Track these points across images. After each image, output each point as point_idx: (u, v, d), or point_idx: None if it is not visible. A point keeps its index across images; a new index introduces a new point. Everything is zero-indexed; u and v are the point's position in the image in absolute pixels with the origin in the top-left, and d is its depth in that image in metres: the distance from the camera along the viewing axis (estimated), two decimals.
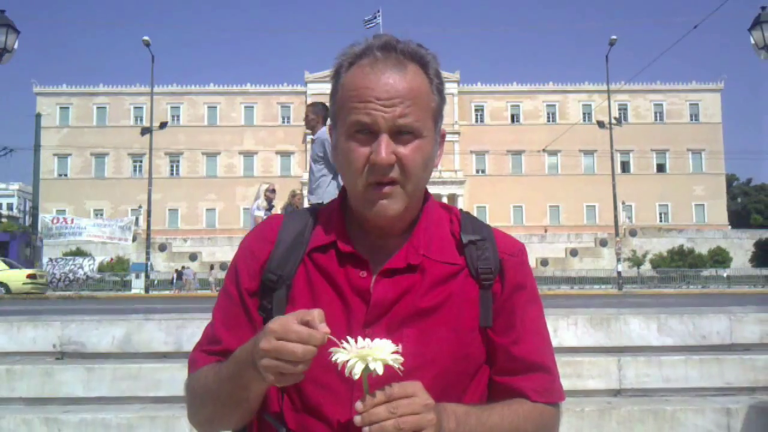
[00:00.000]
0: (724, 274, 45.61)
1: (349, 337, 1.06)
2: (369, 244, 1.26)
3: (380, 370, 1.02)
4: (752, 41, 15.34)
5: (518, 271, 1.30)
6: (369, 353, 1.02)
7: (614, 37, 35.90)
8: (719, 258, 52.32)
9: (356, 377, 1.02)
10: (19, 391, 3.98)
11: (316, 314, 1.04)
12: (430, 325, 1.21)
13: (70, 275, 39.28)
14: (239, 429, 1.28)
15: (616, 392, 4.11)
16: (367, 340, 1.05)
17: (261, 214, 10.21)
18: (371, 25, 65.55)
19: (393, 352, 1.04)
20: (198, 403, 1.26)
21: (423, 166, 1.21)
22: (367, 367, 1.02)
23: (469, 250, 1.27)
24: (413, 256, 1.24)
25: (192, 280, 39.55)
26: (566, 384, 1.34)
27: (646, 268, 50.78)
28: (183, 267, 43.07)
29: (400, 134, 1.18)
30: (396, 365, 1.03)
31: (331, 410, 1.17)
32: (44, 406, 3.92)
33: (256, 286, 1.27)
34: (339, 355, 1.03)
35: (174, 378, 3.98)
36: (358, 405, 1.02)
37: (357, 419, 1.02)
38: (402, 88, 1.17)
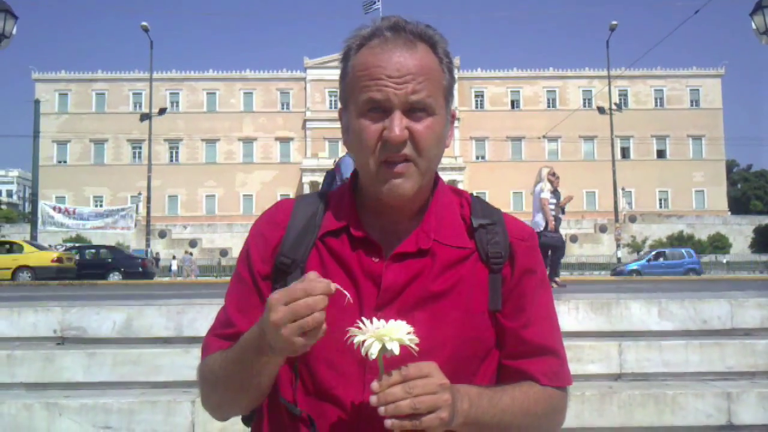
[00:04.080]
0: (724, 260, 45.68)
1: (364, 318, 1.06)
2: (380, 228, 1.26)
3: (397, 351, 1.02)
4: (753, 26, 15.26)
5: (528, 255, 1.29)
6: (386, 333, 1.02)
7: (615, 22, 35.81)
8: (719, 244, 52.46)
9: (373, 357, 1.02)
10: (20, 377, 3.99)
11: (312, 274, 1.05)
12: (440, 308, 1.21)
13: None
14: (249, 412, 1.29)
15: (617, 376, 4.12)
16: (382, 321, 1.05)
17: (548, 196, 10.38)
18: (370, 10, 65.16)
19: (408, 333, 1.04)
20: (209, 389, 1.26)
21: (436, 143, 1.21)
22: (383, 348, 1.02)
23: (480, 234, 1.27)
24: (424, 240, 1.24)
25: (189, 267, 39.59)
26: None
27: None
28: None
29: (412, 111, 1.17)
30: (412, 345, 1.03)
31: (344, 393, 1.17)
32: (45, 391, 3.93)
33: (268, 269, 1.27)
34: (355, 336, 1.03)
35: (174, 363, 3.98)
36: (374, 385, 1.02)
37: (373, 399, 1.01)
38: (413, 65, 1.17)
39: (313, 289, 1.03)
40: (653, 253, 38.98)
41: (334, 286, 1.04)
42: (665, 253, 38.66)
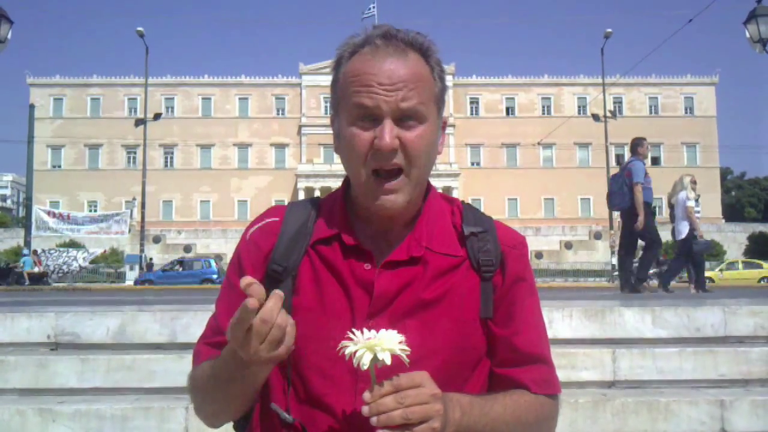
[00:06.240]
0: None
1: (354, 329, 1.06)
2: (372, 235, 1.26)
3: (388, 361, 1.02)
4: (747, 35, 15.35)
5: (519, 263, 1.30)
6: (377, 343, 1.02)
7: (609, 30, 35.92)
8: (713, 251, 52.47)
9: (364, 368, 1.02)
10: (13, 382, 3.97)
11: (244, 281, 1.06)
12: (432, 316, 1.21)
13: (64, 267, 39.13)
14: (240, 417, 1.29)
15: (611, 384, 4.11)
16: (373, 331, 1.05)
17: (692, 204, 10.51)
18: (366, 16, 65.23)
19: (400, 343, 1.04)
20: (201, 398, 1.27)
21: (427, 151, 1.21)
22: (375, 358, 1.02)
23: (471, 241, 1.27)
24: (415, 248, 1.24)
25: None
26: (561, 375, 1.34)
27: None
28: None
29: (403, 119, 1.17)
30: (403, 355, 1.03)
31: (335, 400, 1.17)
32: (38, 397, 3.91)
33: (260, 277, 1.25)
34: (346, 347, 1.04)
35: (168, 369, 3.97)
36: (366, 395, 1.02)
37: (365, 409, 1.01)
38: (404, 73, 1.18)
39: (242, 314, 1.03)
40: (175, 261, 39.38)
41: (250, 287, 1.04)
42: (183, 262, 38.95)
